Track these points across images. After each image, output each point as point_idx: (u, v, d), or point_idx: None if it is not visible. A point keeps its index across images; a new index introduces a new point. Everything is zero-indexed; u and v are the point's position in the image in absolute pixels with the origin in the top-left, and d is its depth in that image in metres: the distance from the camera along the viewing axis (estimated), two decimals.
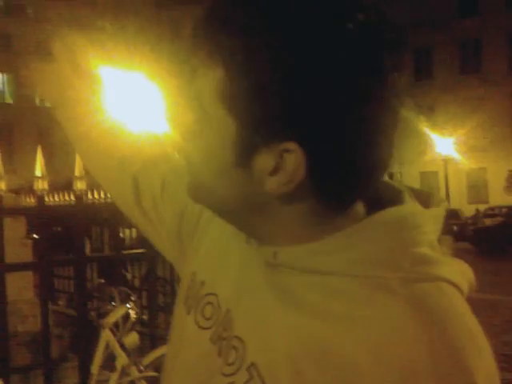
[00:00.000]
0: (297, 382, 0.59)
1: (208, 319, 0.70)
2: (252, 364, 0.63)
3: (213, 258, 0.74)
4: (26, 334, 3.93)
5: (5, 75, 38.55)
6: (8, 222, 2.39)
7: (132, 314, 2.86)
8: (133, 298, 2.94)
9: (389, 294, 0.58)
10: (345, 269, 0.61)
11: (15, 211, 2.87)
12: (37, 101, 42.40)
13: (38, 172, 2.26)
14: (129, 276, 3.86)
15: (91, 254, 3.60)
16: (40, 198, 2.24)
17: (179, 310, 0.76)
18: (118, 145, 0.96)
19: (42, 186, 2.25)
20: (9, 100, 39.07)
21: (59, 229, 7.11)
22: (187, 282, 0.76)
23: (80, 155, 1.08)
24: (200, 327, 0.70)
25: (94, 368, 2.90)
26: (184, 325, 0.73)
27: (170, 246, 0.85)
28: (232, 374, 0.64)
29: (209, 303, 0.71)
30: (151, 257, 2.90)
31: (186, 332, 0.72)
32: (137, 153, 0.95)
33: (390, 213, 0.62)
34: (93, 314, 2.93)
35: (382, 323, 0.57)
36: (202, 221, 0.80)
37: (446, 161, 29.40)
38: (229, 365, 0.65)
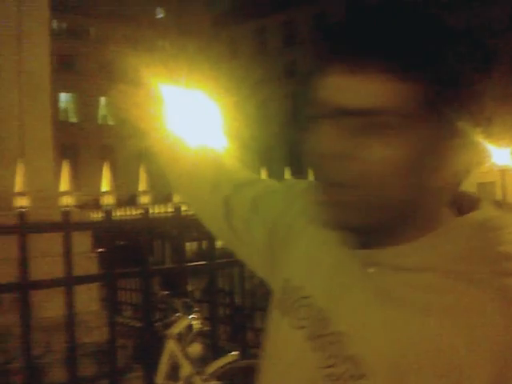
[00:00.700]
0: (395, 373, 0.65)
1: (302, 320, 0.77)
2: (352, 356, 0.69)
3: (305, 265, 0.82)
4: (91, 345, 4.04)
5: (69, 94, 40.11)
6: (74, 235, 2.48)
7: (195, 324, 2.92)
8: (196, 310, 2.99)
9: (481, 287, 0.65)
10: (440, 265, 0.68)
11: (84, 226, 2.98)
12: (99, 119, 43.85)
13: (105, 187, 2.35)
14: (191, 288, 3.93)
15: (154, 267, 3.67)
16: (107, 213, 2.33)
17: (274, 314, 0.85)
18: (209, 170, 1.06)
19: (108, 200, 2.34)
20: (73, 119, 40.59)
21: (124, 242, 7.32)
22: (280, 288, 0.84)
23: (171, 179, 1.17)
24: (295, 327, 0.77)
25: (159, 378, 2.96)
26: (279, 327, 0.81)
27: (259, 259, 0.94)
28: (330, 366, 0.71)
29: (303, 305, 0.78)
30: (212, 269, 2.95)
31: (281, 333, 0.80)
32: (227, 177, 1.06)
33: (476, 216, 0.71)
34: (157, 325, 2.99)
35: (475, 313, 0.64)
36: (292, 234, 0.88)
37: (503, 171, 28.74)
38: (327, 358, 0.71)
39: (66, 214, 2.26)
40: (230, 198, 1.00)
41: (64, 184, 2.28)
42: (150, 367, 2.97)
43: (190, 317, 3.02)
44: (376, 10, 0.67)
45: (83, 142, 38.73)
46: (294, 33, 43.40)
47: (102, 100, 44.40)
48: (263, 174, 3.14)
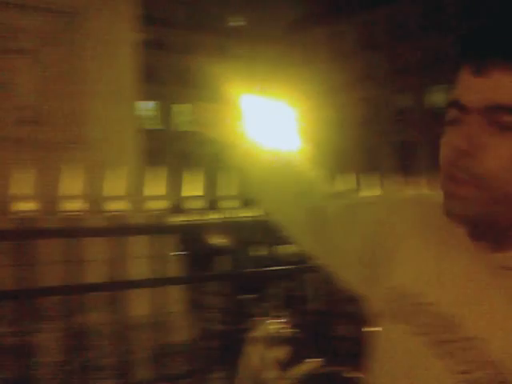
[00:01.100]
0: None
1: (422, 326, 0.77)
2: (492, 361, 0.69)
3: (426, 272, 0.81)
4: (177, 345, 4.16)
5: (153, 103, 41.47)
6: (161, 238, 2.57)
7: (278, 329, 2.93)
8: (280, 314, 3.01)
9: None
10: None
11: (172, 229, 3.08)
12: (180, 126, 44.99)
13: (191, 192, 2.42)
14: (275, 292, 3.96)
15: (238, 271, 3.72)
16: (193, 216, 2.40)
17: (381, 321, 0.85)
18: (293, 181, 1.07)
19: (193, 205, 2.41)
20: (155, 126, 41.91)
21: (209, 245, 7.45)
22: (387, 296, 0.84)
23: (255, 188, 1.20)
24: (412, 334, 0.78)
25: (240, 381, 3.00)
26: (390, 334, 0.82)
27: (358, 268, 0.94)
28: (465, 372, 0.70)
29: (423, 311, 0.78)
30: (295, 274, 2.97)
31: (395, 340, 0.80)
32: (312, 187, 1.08)
33: None
34: (241, 328, 3.04)
35: None
36: (399, 243, 0.88)
37: None
38: (458, 364, 0.71)
39: (156, 217, 2.35)
40: (320, 208, 1.02)
41: (152, 189, 2.38)
42: (232, 370, 3.01)
43: (273, 321, 3.04)
44: (497, 17, 0.73)
45: (165, 148, 39.86)
46: (369, 36, 42.74)
47: (183, 107, 45.56)
48: (342, 179, 3.12)
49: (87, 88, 4.59)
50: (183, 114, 45.34)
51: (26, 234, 2.16)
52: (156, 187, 2.54)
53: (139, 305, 3.37)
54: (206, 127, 1.32)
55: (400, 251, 0.86)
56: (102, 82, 4.61)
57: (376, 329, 0.85)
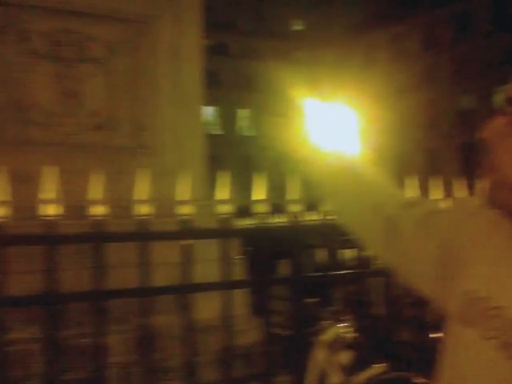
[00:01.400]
0: None
1: (492, 330, 0.77)
2: None
3: (494, 277, 0.82)
4: (240, 348, 4.19)
5: (215, 108, 42.11)
6: (225, 241, 2.58)
7: (344, 333, 2.91)
8: (344, 318, 2.99)
9: None
10: None
11: (239, 232, 3.11)
12: (243, 131, 45.46)
13: (256, 196, 2.44)
14: (339, 296, 3.93)
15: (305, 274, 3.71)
16: (260, 220, 2.42)
17: (452, 326, 0.86)
18: (369, 193, 1.09)
19: (260, 208, 2.43)
20: (217, 131, 42.51)
21: (274, 248, 7.49)
22: (459, 301, 0.85)
23: (322, 193, 1.22)
24: (483, 338, 0.78)
25: None
26: (461, 339, 0.82)
27: (432, 275, 0.96)
28: None
29: (493, 316, 0.78)
30: (360, 278, 2.93)
31: (465, 345, 0.81)
32: (387, 197, 1.10)
33: None
34: (307, 331, 3.03)
35: None
36: (472, 249, 0.89)
37: None
38: None
39: (224, 221, 2.38)
40: (396, 217, 1.04)
41: (220, 193, 2.41)
42: (296, 374, 3.00)
43: (338, 325, 3.01)
44: None
45: (226, 153, 40.34)
46: (432, 37, 41.80)
47: (243, 112, 46.00)
48: (405, 183, 3.06)
49: (156, 94, 4.71)
50: (245, 119, 45.79)
51: (98, 237, 2.23)
52: (221, 191, 2.57)
53: (205, 308, 3.41)
54: (281, 141, 1.37)
55: (473, 257, 0.87)
56: (170, 88, 4.72)
57: (446, 333, 0.86)
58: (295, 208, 2.53)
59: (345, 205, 1.17)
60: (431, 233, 0.97)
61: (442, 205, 1.08)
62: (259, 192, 2.49)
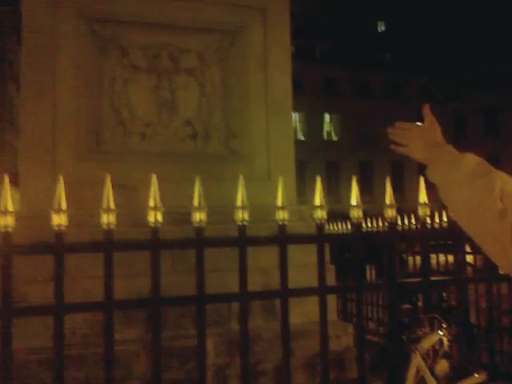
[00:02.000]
0: None
1: None
2: None
3: None
4: (332, 354, 4.18)
5: (297, 114, 42.18)
6: (319, 246, 2.58)
7: (444, 341, 2.84)
8: (444, 325, 2.91)
9: None
10: None
11: (336, 238, 3.12)
12: (324, 136, 45.24)
13: (353, 201, 2.44)
14: (434, 303, 3.82)
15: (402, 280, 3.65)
16: (356, 226, 2.42)
17: None
18: (493, 198, 1.08)
19: (356, 214, 2.43)
20: (301, 137, 42.55)
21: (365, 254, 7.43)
22: None
23: (454, 202, 1.22)
24: None
25: None
26: None
27: None
28: None
29: None
30: (461, 284, 2.85)
31: None
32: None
33: None
34: (403, 338, 2.97)
35: None
36: None
37: None
38: None
39: (320, 227, 2.39)
40: None
41: (317, 199, 2.42)
42: (393, 382, 2.95)
43: (434, 333, 2.94)
44: None
45: (310, 159, 40.28)
46: None
47: (327, 117, 45.75)
48: None
49: (247, 102, 4.80)
50: (330, 124, 45.54)
51: (199, 242, 2.31)
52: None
53: (296, 312, 3.44)
54: (404, 147, 1.41)
55: None
56: (260, 95, 4.80)
57: None
58: (391, 213, 2.50)
59: (467, 207, 1.16)
60: None
61: None
62: (353, 197, 2.49)
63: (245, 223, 2.34)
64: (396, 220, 2.55)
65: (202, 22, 4.69)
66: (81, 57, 4.44)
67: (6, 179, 2.13)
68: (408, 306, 3.12)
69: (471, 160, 1.33)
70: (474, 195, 1.22)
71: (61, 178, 2.16)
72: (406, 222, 4.69)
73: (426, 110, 1.56)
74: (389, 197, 2.49)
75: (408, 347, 2.90)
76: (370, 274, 7.07)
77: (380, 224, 6.13)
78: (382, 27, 51.06)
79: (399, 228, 3.45)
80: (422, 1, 47.17)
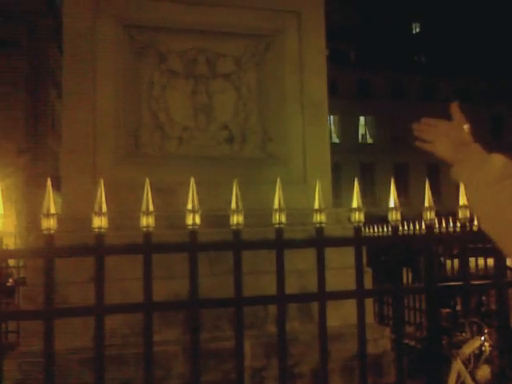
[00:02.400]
0: None
1: None
2: None
3: None
4: (370, 357, 4.15)
5: (332, 116, 42.03)
6: (357, 249, 2.57)
7: (486, 346, 2.79)
8: (486, 331, 2.86)
9: None
10: None
11: (373, 241, 3.10)
12: (359, 138, 44.90)
13: (392, 203, 2.42)
14: (474, 308, 3.75)
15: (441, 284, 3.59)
16: (394, 228, 2.40)
17: None
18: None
19: (395, 216, 2.41)
20: (335, 139, 42.34)
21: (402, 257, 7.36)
22: None
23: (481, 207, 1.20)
24: None
25: None
26: None
27: None
28: None
29: None
30: (501, 288, 2.79)
31: None
32: None
33: None
34: (444, 343, 2.94)
35: None
36: None
37: None
38: None
39: (358, 229, 2.38)
40: None
41: (355, 201, 2.41)
42: None
43: (474, 338, 2.89)
44: None
45: (344, 161, 40.03)
46: None
47: (361, 119, 45.42)
48: None
49: (283, 105, 4.82)
50: (365, 126, 45.20)
51: (237, 245, 2.33)
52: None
53: (332, 315, 3.42)
54: (430, 144, 1.39)
55: None
56: (296, 98, 4.81)
57: None
58: (430, 215, 2.47)
59: (494, 207, 1.14)
60: None
61: None
62: (392, 199, 2.46)
63: (282, 226, 2.34)
64: (434, 222, 2.52)
65: (239, 27, 4.72)
66: (119, 62, 4.52)
67: (49, 183, 2.17)
68: (448, 310, 3.08)
69: (498, 160, 1.31)
70: (502, 195, 1.20)
71: (101, 180, 2.20)
72: (444, 224, 4.63)
73: (455, 108, 1.53)
74: (428, 199, 2.46)
75: (448, 352, 2.86)
76: (407, 277, 6.99)
77: (416, 227, 6.06)
78: (416, 29, 50.44)
79: (437, 231, 3.42)
80: (456, 0, 46.42)
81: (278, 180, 2.36)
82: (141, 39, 4.58)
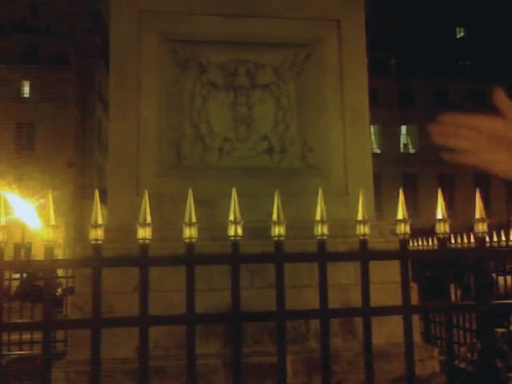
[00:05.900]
0: None
1: None
2: None
3: None
4: (417, 378, 4.00)
5: (373, 126, 41.67)
6: (402, 263, 2.49)
7: None
8: None
9: None
10: None
11: (421, 254, 3.01)
12: (401, 149, 44.32)
13: (439, 214, 2.35)
14: None
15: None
16: (443, 241, 2.32)
17: None
18: None
19: (444, 228, 2.33)
20: (376, 150, 41.93)
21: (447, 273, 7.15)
22: None
23: None
24: None
25: None
26: None
27: None
28: None
29: None
30: None
31: None
32: None
33: None
34: (499, 366, 2.81)
35: None
36: None
37: None
38: None
39: (404, 242, 2.31)
40: None
41: (400, 212, 2.35)
42: None
43: None
44: None
45: (386, 172, 39.58)
46: None
47: (403, 129, 44.86)
48: None
49: (323, 115, 4.77)
50: (406, 136, 44.62)
51: (279, 257, 2.29)
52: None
53: (377, 333, 3.33)
54: (470, 154, 1.18)
55: None
56: (337, 108, 4.76)
57: None
58: (481, 228, 2.38)
59: None
60: None
61: None
62: (440, 210, 2.38)
63: (324, 238, 2.29)
64: (485, 235, 2.42)
65: (278, 37, 4.72)
66: (162, 76, 4.59)
67: (97, 194, 2.21)
68: (503, 330, 2.94)
69: None
70: None
71: (146, 192, 2.21)
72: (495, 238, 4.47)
73: (501, 97, 1.15)
74: (479, 210, 2.36)
75: (505, 376, 2.73)
76: (455, 293, 6.74)
77: (464, 240, 5.88)
78: (461, 33, 49.51)
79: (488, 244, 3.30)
80: (502, 3, 45.41)
81: (320, 191, 2.32)
82: (183, 53, 4.63)
